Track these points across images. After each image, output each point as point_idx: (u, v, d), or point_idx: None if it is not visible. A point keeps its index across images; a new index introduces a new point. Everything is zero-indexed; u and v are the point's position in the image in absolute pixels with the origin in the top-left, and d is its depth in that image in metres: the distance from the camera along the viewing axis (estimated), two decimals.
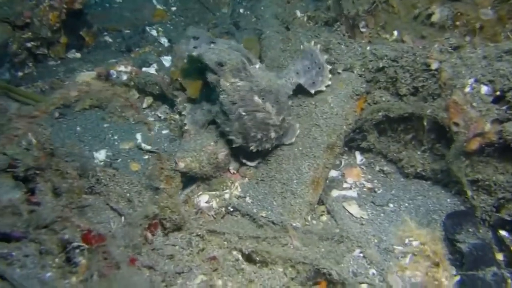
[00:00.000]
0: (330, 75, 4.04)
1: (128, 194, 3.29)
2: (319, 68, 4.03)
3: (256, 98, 3.59)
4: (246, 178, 4.06)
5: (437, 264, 1.87)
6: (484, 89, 3.31)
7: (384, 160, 4.30)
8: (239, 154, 4.00)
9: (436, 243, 1.91)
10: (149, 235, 2.90)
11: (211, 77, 3.75)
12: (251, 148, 3.69)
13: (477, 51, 3.41)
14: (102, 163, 4.27)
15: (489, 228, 3.55)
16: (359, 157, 4.44)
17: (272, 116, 3.61)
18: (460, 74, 3.40)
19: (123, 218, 3.08)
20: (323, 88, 4.03)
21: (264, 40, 5.15)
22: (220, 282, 2.87)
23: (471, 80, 3.34)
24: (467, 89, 3.34)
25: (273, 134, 3.67)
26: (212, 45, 4.03)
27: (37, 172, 2.79)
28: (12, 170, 2.77)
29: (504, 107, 3.23)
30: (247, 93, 3.58)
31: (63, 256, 2.38)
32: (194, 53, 4.01)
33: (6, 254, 2.23)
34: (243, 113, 3.56)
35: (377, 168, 4.29)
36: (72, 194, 2.76)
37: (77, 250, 2.38)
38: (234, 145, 3.76)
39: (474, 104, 3.27)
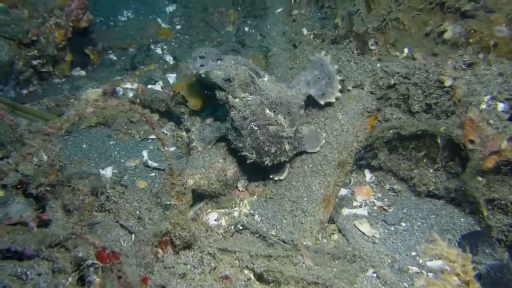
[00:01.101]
0: (339, 86, 4.00)
1: (138, 212, 3.22)
2: (329, 79, 3.99)
3: (267, 111, 3.55)
4: (255, 196, 4.01)
5: (467, 283, 1.81)
6: (500, 106, 3.28)
7: (394, 178, 4.25)
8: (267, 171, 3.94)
9: (467, 262, 1.84)
10: (160, 251, 2.83)
11: (219, 94, 3.68)
12: (266, 162, 3.62)
13: (492, 68, 3.40)
14: (109, 180, 4.20)
15: (505, 249, 3.48)
16: (368, 175, 4.39)
17: (285, 128, 3.56)
18: (475, 91, 3.38)
19: (133, 235, 3.01)
20: (333, 100, 4.00)
21: (271, 58, 5.16)
22: None
23: (487, 97, 3.32)
24: (483, 106, 3.31)
25: (287, 147, 3.60)
26: (219, 62, 3.99)
27: (48, 189, 2.73)
28: (23, 187, 2.72)
29: None
30: (258, 107, 3.54)
31: (76, 275, 2.31)
32: (201, 71, 3.96)
33: (21, 274, 2.15)
34: (255, 128, 3.50)
35: (387, 187, 4.24)
36: (83, 211, 2.69)
37: (91, 269, 2.31)
38: (248, 161, 3.67)
39: (491, 121, 3.23)
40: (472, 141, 3.32)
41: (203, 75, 3.92)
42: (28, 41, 5.49)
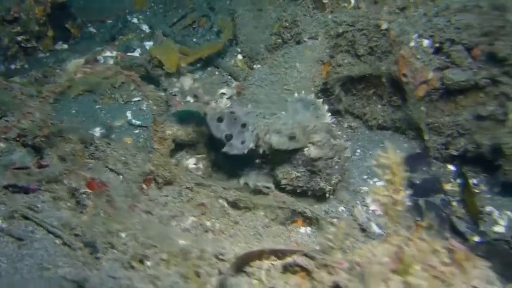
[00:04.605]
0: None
1: (123, 158, 3.70)
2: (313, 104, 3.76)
3: (332, 139, 3.42)
4: None
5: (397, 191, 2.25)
6: (425, 42, 3.80)
7: (351, 117, 4.75)
8: None
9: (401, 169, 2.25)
10: (144, 187, 3.33)
11: (283, 145, 3.36)
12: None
13: (419, 10, 3.90)
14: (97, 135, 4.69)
15: (441, 164, 4.07)
16: (328, 117, 4.86)
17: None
18: (405, 31, 3.88)
19: (121, 176, 3.50)
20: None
21: (237, 19, 5.60)
22: (209, 223, 3.30)
23: (415, 36, 3.84)
24: (412, 44, 3.82)
25: None
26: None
27: (43, 139, 3.19)
28: (21, 139, 3.19)
29: (443, 57, 3.73)
30: (328, 141, 3.39)
31: (73, 201, 2.82)
32: (252, 145, 3.56)
33: (34, 206, 2.66)
34: (339, 160, 3.45)
35: (346, 125, 4.75)
36: (75, 157, 3.18)
37: (84, 195, 2.82)
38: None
39: (418, 56, 3.76)
40: (405, 75, 3.84)
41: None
42: (11, 18, 5.85)
